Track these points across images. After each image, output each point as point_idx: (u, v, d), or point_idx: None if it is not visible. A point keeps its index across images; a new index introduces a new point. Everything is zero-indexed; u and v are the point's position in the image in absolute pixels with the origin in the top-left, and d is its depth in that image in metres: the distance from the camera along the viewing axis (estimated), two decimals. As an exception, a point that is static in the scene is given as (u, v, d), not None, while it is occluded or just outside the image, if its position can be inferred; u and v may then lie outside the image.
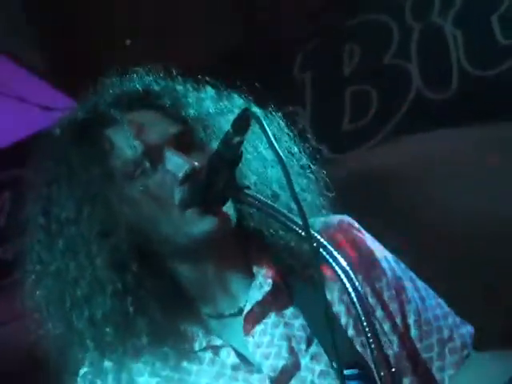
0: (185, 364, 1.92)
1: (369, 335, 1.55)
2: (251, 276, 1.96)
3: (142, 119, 1.94)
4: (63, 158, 1.95)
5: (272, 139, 1.62)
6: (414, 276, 2.03)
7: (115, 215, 1.90)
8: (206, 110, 1.99)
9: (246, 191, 1.79)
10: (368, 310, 1.58)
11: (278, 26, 4.24)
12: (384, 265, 1.99)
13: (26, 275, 1.95)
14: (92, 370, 1.95)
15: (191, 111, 1.98)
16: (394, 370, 1.55)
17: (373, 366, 1.58)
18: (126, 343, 1.87)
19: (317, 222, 1.96)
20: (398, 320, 1.95)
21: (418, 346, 1.95)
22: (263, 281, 1.94)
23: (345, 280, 1.60)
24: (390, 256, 2.03)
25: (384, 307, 1.95)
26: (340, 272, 1.61)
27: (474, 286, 3.43)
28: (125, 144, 1.91)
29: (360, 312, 1.54)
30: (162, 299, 1.89)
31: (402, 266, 2.03)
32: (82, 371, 1.98)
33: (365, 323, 1.54)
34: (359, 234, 2.02)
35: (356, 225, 2.04)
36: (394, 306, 1.96)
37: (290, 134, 2.03)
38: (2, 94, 3.83)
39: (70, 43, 4.18)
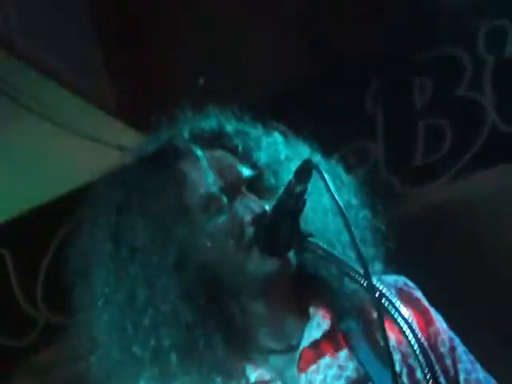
0: None
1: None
2: (305, 316, 1.97)
3: (216, 156, 1.97)
4: (136, 185, 1.96)
5: (332, 190, 1.64)
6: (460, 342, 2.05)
7: (188, 248, 1.91)
8: (276, 156, 2.02)
9: (310, 239, 1.81)
10: (431, 360, 1.57)
11: (352, 58, 4.25)
12: (438, 324, 2.01)
13: (90, 301, 1.94)
14: None
15: (263, 156, 2.01)
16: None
17: None
18: (190, 373, 1.89)
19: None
20: (452, 374, 1.97)
21: None
22: (321, 321, 1.96)
23: (406, 329, 1.59)
24: (441, 319, 2.05)
25: (440, 362, 1.95)
26: (402, 322, 1.60)
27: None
28: (202, 179, 1.94)
29: (422, 361, 1.54)
30: (228, 334, 1.91)
31: (451, 331, 2.05)
32: None
33: (429, 374, 1.53)
34: (414, 293, 2.04)
35: (411, 284, 2.06)
36: (448, 362, 1.98)
37: (351, 185, 2.04)
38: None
39: (146, 81, 4.26)
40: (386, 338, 1.64)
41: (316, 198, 1.98)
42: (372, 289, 1.62)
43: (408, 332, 1.61)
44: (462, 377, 1.98)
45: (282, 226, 1.81)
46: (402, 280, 2.05)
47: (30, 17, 3.67)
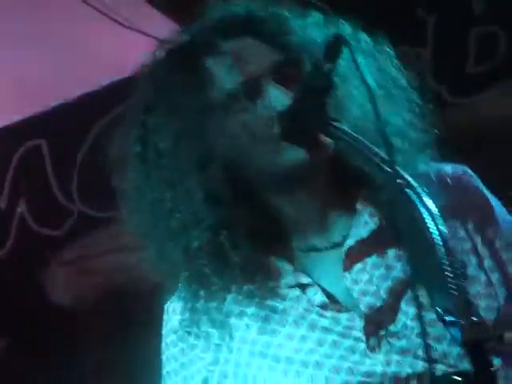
0: (270, 302, 1.86)
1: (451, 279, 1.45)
2: (351, 211, 1.88)
3: (242, 47, 1.86)
4: (163, 84, 1.89)
5: (361, 66, 1.53)
6: None
7: (212, 148, 1.85)
8: (312, 37, 1.89)
9: (335, 124, 1.70)
10: (451, 252, 1.47)
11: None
12: (497, 215, 1.90)
13: (124, 203, 1.92)
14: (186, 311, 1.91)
15: (295, 38, 1.88)
16: (475, 319, 1.44)
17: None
18: (222, 275, 1.84)
19: (430, 166, 1.86)
20: (510, 268, 1.86)
21: None
22: (369, 219, 1.87)
23: (428, 221, 1.49)
24: (503, 209, 1.94)
25: (494, 256, 1.85)
26: (425, 213, 1.50)
27: None
28: (224, 75, 1.85)
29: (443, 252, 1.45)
30: (256, 233, 1.85)
31: None
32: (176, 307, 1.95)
33: (447, 267, 1.44)
34: (473, 182, 1.92)
35: (472, 173, 1.93)
36: (507, 255, 1.87)
37: (400, 67, 1.91)
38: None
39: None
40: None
41: (353, 87, 1.86)
42: (395, 176, 1.51)
43: (432, 227, 1.50)
44: None
45: (309, 111, 1.70)
46: (461, 168, 1.93)
47: None
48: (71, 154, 4.36)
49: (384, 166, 1.60)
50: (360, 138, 1.70)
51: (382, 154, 1.62)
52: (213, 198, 1.83)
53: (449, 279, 1.47)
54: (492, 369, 1.43)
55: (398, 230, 1.79)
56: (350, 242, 1.86)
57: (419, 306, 1.59)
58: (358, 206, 1.88)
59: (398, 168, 1.55)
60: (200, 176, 1.84)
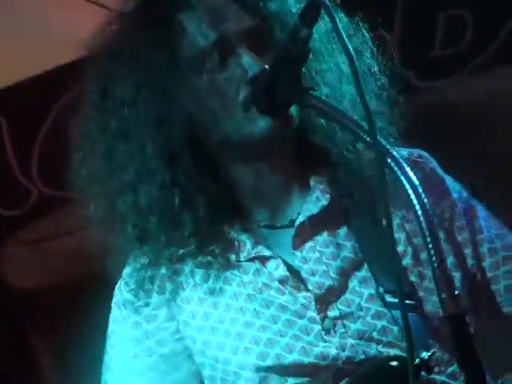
0: (227, 274, 1.82)
1: (432, 253, 1.40)
2: (305, 189, 1.85)
3: (220, 7, 1.81)
4: (128, 34, 1.84)
5: (342, 33, 1.47)
6: (484, 207, 1.93)
7: (175, 104, 1.80)
8: (289, 7, 1.86)
9: (311, 92, 1.65)
10: (434, 225, 1.43)
11: None
12: (455, 195, 1.89)
13: (74, 152, 1.87)
14: (135, 276, 1.87)
15: (272, 6, 1.84)
16: (457, 292, 1.40)
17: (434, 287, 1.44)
18: (169, 235, 1.80)
19: None
20: (468, 250, 1.84)
21: (493, 274, 1.83)
22: (321, 195, 1.84)
23: (410, 191, 1.45)
24: (461, 187, 1.93)
25: (451, 237, 1.83)
26: (407, 184, 1.46)
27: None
28: (197, 31, 1.80)
29: (424, 225, 1.40)
30: (211, 198, 1.81)
31: (473, 199, 1.93)
32: (126, 271, 1.90)
33: (429, 239, 1.40)
34: (429, 164, 1.91)
35: (428, 156, 1.93)
36: (464, 236, 1.85)
37: (374, 50, 1.89)
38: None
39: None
40: (388, 211, 1.49)
41: (330, 60, 1.84)
42: (376, 144, 1.47)
43: (415, 201, 1.45)
44: (484, 248, 1.86)
45: (282, 79, 1.65)
46: (416, 152, 1.92)
47: None
48: (31, 132, 4.26)
49: (362, 135, 1.55)
50: (338, 107, 1.66)
51: (362, 124, 1.57)
52: (168, 154, 1.79)
53: (429, 254, 1.42)
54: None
55: (351, 208, 1.78)
56: (300, 219, 1.82)
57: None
58: (312, 183, 1.85)
59: (379, 138, 1.50)
60: (157, 130, 1.79)
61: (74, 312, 4.04)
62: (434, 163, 1.92)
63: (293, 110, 1.77)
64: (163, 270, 1.84)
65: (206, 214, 1.80)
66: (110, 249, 1.87)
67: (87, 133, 1.85)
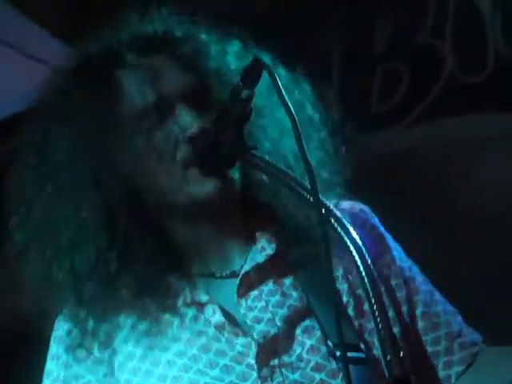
0: (164, 318, 1.80)
1: (376, 313, 1.40)
2: (251, 242, 1.85)
3: (158, 66, 1.81)
4: (65, 94, 1.82)
5: (284, 94, 1.48)
6: (421, 272, 1.94)
7: (112, 165, 1.78)
8: (228, 65, 1.86)
9: (253, 152, 1.65)
10: (378, 286, 1.43)
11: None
12: (394, 253, 1.90)
13: (10, 217, 1.83)
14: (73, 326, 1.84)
15: (212, 64, 1.85)
16: (402, 354, 1.40)
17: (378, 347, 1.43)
18: (107, 299, 1.77)
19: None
20: (404, 309, 1.85)
21: (424, 338, 1.85)
22: (266, 245, 1.84)
23: (354, 252, 1.45)
24: (399, 247, 1.94)
25: (389, 295, 1.85)
26: (350, 243, 1.46)
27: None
28: (136, 91, 1.79)
29: (368, 286, 1.41)
30: (150, 256, 1.79)
31: (410, 260, 1.95)
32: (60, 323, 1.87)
33: (373, 300, 1.40)
34: (370, 220, 1.92)
35: (368, 211, 1.94)
36: (401, 295, 1.86)
37: (315, 102, 1.91)
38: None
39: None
40: (330, 263, 1.50)
41: (271, 115, 1.84)
42: (319, 205, 1.46)
43: (356, 256, 1.46)
44: (419, 310, 1.87)
45: (224, 139, 1.65)
46: (358, 206, 1.93)
47: None
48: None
49: (305, 194, 1.55)
50: (280, 165, 1.66)
51: (304, 183, 1.57)
52: (105, 216, 1.76)
53: (376, 314, 1.42)
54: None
55: (296, 259, 1.79)
56: (246, 268, 1.82)
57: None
58: (257, 235, 1.85)
59: (321, 197, 1.50)
60: (94, 194, 1.77)
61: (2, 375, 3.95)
62: (374, 219, 1.93)
63: (235, 169, 1.76)
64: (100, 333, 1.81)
65: (145, 271, 1.78)
66: (45, 312, 1.84)
67: (22, 196, 1.82)
